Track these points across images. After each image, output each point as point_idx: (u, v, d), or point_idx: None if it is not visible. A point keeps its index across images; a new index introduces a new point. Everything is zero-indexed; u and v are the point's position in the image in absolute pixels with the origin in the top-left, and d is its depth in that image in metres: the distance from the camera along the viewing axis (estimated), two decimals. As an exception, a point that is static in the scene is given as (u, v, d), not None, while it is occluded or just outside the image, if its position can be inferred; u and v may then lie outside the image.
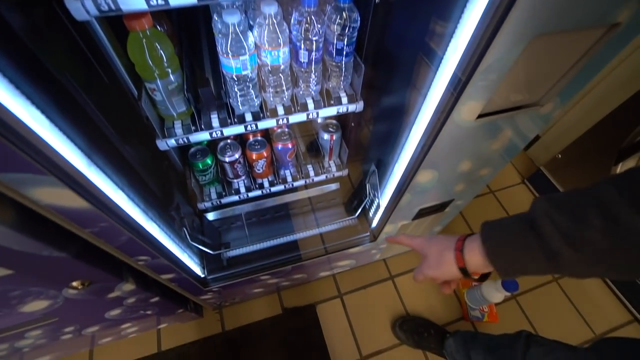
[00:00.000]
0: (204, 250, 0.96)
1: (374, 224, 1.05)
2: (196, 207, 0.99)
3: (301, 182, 1.04)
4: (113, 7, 0.49)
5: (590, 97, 1.44)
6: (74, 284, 0.58)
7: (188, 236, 0.88)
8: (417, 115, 0.63)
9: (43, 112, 0.39)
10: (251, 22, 0.71)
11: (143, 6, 0.50)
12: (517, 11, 0.39)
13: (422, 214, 0.96)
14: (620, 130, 1.27)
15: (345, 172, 1.06)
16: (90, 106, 0.56)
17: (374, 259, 1.34)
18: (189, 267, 0.87)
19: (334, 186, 1.22)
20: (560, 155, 1.55)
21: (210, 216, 1.14)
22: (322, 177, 1.05)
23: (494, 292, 1.13)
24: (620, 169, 1.24)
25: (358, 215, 1.12)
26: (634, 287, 1.33)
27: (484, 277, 0.55)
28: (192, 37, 0.85)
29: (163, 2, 0.51)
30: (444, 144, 0.62)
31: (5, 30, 0.40)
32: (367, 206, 1.08)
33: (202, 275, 0.98)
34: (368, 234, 1.11)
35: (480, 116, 0.58)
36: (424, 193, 0.82)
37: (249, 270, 1.03)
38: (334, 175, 1.05)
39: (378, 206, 0.95)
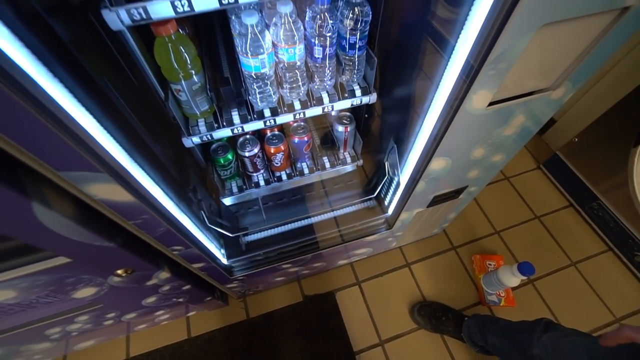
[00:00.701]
0: (223, 234, 1.00)
1: (390, 211, 1.08)
2: (216, 195, 1.03)
3: (317, 174, 1.07)
4: (144, 16, 0.53)
5: (607, 78, 1.42)
6: (119, 271, 0.65)
7: (206, 219, 0.89)
8: (429, 105, 0.66)
9: (93, 115, 0.44)
10: (267, 21, 0.75)
11: (171, 13, 0.55)
12: (525, 0, 0.41)
13: (436, 201, 0.98)
14: (639, 111, 1.25)
15: (360, 163, 1.09)
16: (126, 108, 0.61)
17: (390, 246, 1.37)
18: (216, 256, 0.93)
19: (350, 167, 1.20)
20: (576, 139, 1.53)
21: (227, 201, 1.14)
22: (338, 167, 1.08)
23: (510, 276, 1.15)
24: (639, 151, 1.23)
25: (377, 195, 1.12)
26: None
27: None
28: (210, 38, 0.90)
29: (189, 9, 0.55)
30: (457, 132, 0.64)
31: (56, 41, 0.45)
32: (385, 187, 1.08)
33: (224, 262, 1.03)
34: (384, 220, 1.14)
35: (491, 104, 0.60)
36: (438, 180, 0.85)
37: (266, 253, 1.07)
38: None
39: (398, 184, 0.94)
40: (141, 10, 0.52)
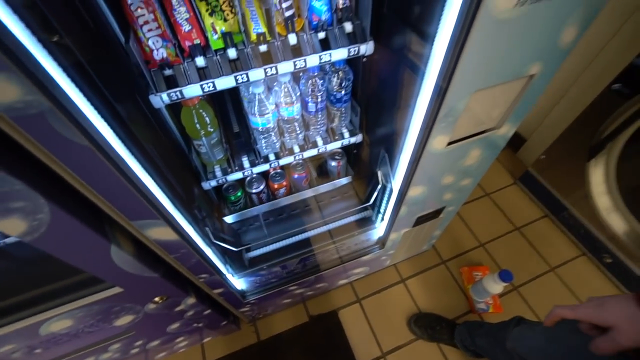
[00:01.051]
0: (227, 249, 1.00)
1: (381, 233, 1.23)
2: (219, 216, 1.15)
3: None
4: (180, 96, 0.70)
5: (565, 101, 1.63)
6: (156, 298, 0.77)
7: (211, 235, 0.90)
8: (403, 144, 0.83)
9: (149, 174, 0.59)
10: (269, 84, 0.92)
11: (199, 93, 0.71)
12: (457, 77, 0.58)
13: (420, 221, 1.13)
14: (591, 129, 1.44)
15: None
16: (163, 165, 0.76)
17: (385, 264, 1.50)
18: (232, 284, 1.05)
19: (345, 180, 1.29)
20: (543, 156, 1.71)
21: (229, 219, 1.20)
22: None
23: (493, 284, 1.29)
24: (593, 165, 1.41)
25: (372, 203, 1.15)
26: (629, 274, 1.45)
27: None
28: (221, 100, 1.07)
29: (213, 88, 0.72)
30: (426, 166, 0.81)
31: (121, 120, 0.61)
32: (379, 197, 1.11)
33: (232, 280, 1.06)
34: (377, 239, 1.28)
35: (450, 143, 0.77)
36: (418, 204, 1.01)
37: (269, 266, 1.11)
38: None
39: (391, 192, 0.99)
40: (178, 93, 0.69)
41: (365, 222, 1.23)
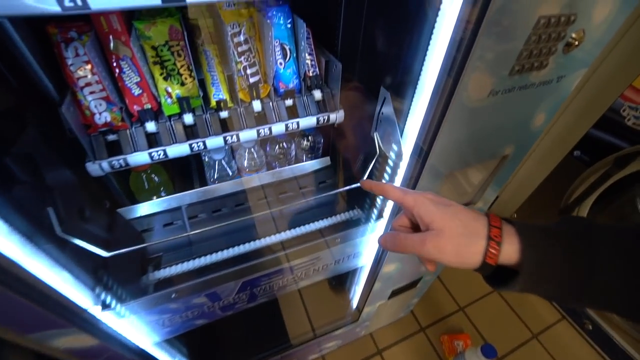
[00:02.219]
0: (92, 255, 0.51)
1: (354, 304, 1.12)
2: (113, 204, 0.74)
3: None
4: (124, 164, 0.61)
5: (529, 164, 1.68)
6: (70, 413, 0.61)
7: (56, 224, 0.48)
8: (375, 223, 0.76)
9: (65, 268, 0.48)
10: (233, 147, 0.86)
11: (147, 160, 0.63)
12: (432, 160, 0.54)
13: (395, 293, 1.04)
14: (559, 192, 1.47)
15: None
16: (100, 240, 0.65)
17: (360, 335, 1.37)
18: (112, 330, 0.60)
19: (317, 164, 0.89)
20: (515, 215, 1.73)
21: (129, 211, 0.74)
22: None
23: (476, 360, 1.18)
24: (564, 227, 1.41)
25: (367, 176, 0.68)
26: (611, 342, 1.40)
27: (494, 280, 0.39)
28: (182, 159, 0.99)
29: (164, 156, 0.64)
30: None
31: (29, 201, 0.51)
32: (377, 166, 0.70)
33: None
34: (349, 313, 1.17)
35: (425, 220, 0.71)
36: (392, 278, 0.92)
37: (184, 290, 0.63)
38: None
39: (398, 164, 0.61)
40: (122, 161, 0.60)
41: (350, 225, 0.78)
